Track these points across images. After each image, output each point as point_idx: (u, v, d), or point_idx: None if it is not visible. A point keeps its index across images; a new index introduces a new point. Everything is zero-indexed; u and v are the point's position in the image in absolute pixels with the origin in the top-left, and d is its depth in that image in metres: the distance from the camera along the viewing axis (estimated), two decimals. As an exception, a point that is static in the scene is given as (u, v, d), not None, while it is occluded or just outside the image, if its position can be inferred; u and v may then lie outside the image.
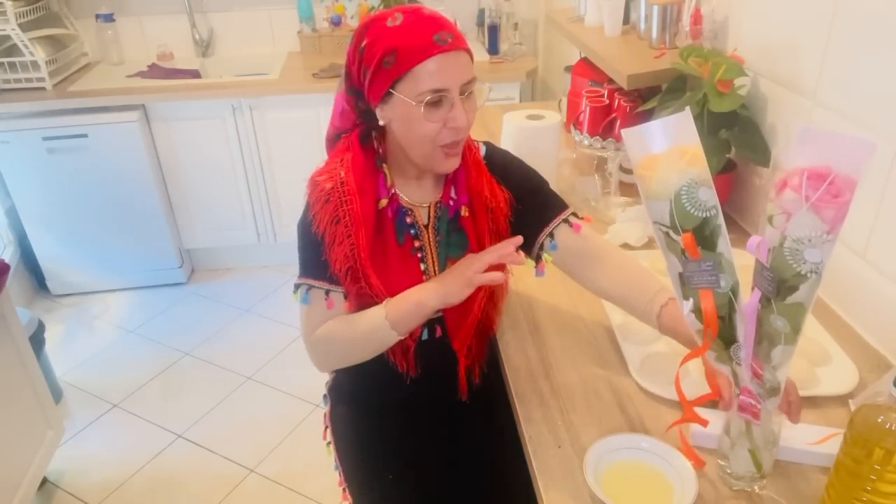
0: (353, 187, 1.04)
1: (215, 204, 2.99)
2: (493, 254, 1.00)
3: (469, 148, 1.11)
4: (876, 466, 0.73)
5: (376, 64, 0.96)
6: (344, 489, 1.23)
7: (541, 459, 0.95)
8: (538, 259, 1.14)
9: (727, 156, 1.47)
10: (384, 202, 1.07)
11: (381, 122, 1.03)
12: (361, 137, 1.08)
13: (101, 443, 2.24)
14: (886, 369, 1.08)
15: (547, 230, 1.11)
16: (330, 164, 1.09)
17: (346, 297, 1.10)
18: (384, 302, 1.06)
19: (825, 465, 0.87)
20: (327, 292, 1.07)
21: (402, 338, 1.06)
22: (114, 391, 2.45)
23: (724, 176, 1.51)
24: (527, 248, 1.14)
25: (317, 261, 1.07)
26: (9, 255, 2.86)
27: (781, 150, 1.39)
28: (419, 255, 1.10)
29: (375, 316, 1.05)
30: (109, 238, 2.92)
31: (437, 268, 1.11)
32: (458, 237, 1.11)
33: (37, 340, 2.24)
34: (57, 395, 2.37)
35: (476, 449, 1.23)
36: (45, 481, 2.04)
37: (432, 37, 0.93)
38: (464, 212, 1.10)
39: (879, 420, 0.73)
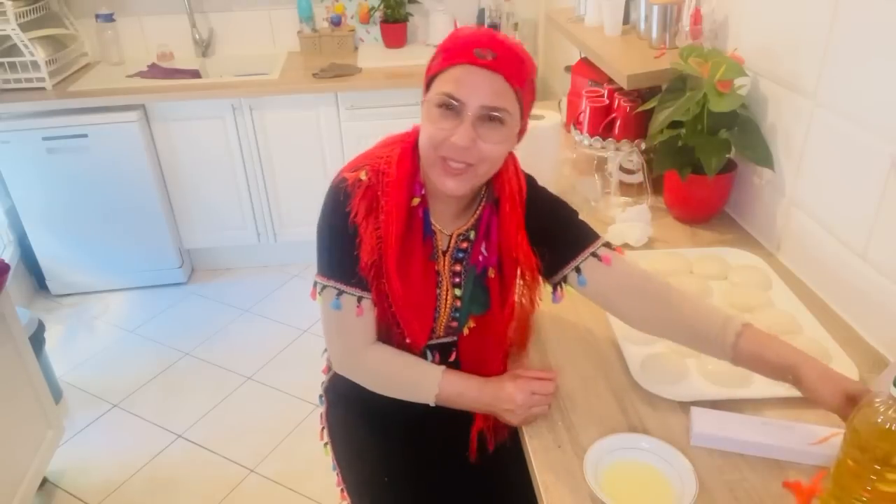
0: (392, 178, 1.01)
1: (215, 204, 2.99)
2: (546, 389, 1.03)
3: (513, 200, 1.04)
4: (876, 466, 0.73)
5: (430, 60, 0.99)
6: (342, 489, 1.24)
7: (541, 459, 0.95)
8: (556, 287, 1.09)
9: (727, 156, 1.47)
10: (416, 200, 1.03)
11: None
12: (412, 144, 1.05)
13: (101, 443, 2.24)
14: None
15: (573, 264, 1.05)
16: (360, 161, 1.05)
17: (374, 307, 1.06)
18: (443, 370, 1.07)
19: (825, 465, 0.87)
20: (360, 299, 1.03)
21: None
22: (114, 391, 2.45)
23: (724, 176, 1.51)
24: (549, 278, 1.09)
25: (347, 261, 1.02)
26: (9, 255, 2.85)
27: (781, 151, 1.39)
28: (437, 276, 1.08)
29: (428, 378, 1.06)
30: (109, 238, 2.92)
31: (446, 306, 1.09)
32: (482, 295, 1.08)
33: (37, 340, 2.24)
34: (57, 395, 2.37)
35: (473, 448, 1.23)
36: (45, 481, 2.04)
37: (473, 49, 0.93)
38: (491, 273, 1.06)
39: (879, 420, 0.73)
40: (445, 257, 1.08)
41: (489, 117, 0.94)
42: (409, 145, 1.04)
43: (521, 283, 1.13)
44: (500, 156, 0.99)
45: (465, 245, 1.08)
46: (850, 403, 0.83)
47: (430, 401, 1.06)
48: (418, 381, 1.06)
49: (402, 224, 1.01)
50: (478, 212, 1.07)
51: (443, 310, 1.10)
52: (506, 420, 1.04)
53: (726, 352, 0.96)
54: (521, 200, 1.06)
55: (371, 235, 1.01)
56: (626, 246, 1.45)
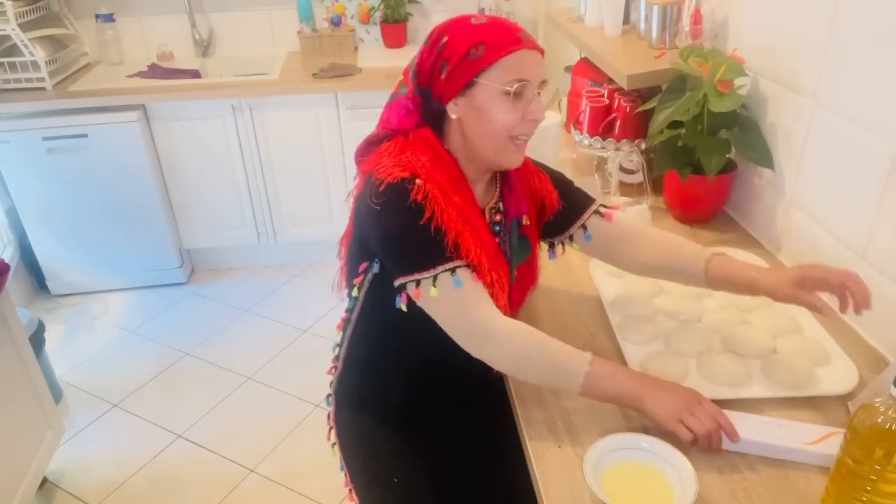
0: (447, 188, 1.02)
1: (215, 204, 2.99)
2: (715, 425, 0.92)
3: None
4: (876, 466, 0.73)
5: (461, 56, 0.98)
6: (350, 490, 1.24)
7: (541, 459, 0.95)
8: (554, 244, 1.23)
9: (727, 156, 1.47)
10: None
11: (452, 117, 1.03)
12: (440, 145, 1.06)
13: (101, 443, 2.24)
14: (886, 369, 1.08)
15: (579, 223, 1.18)
16: (396, 156, 1.03)
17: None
18: (591, 356, 0.98)
19: (825, 465, 0.87)
20: (468, 266, 0.99)
21: (579, 393, 0.98)
22: (114, 391, 2.45)
23: (724, 176, 1.51)
24: (553, 237, 1.22)
25: (438, 245, 0.98)
26: (9, 255, 2.85)
27: (781, 151, 1.39)
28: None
29: (578, 356, 0.98)
30: (110, 238, 2.92)
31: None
32: (523, 243, 1.15)
33: (37, 340, 2.24)
34: (57, 395, 2.37)
35: (479, 449, 1.23)
36: (45, 481, 2.04)
37: (518, 33, 1.00)
38: (525, 220, 1.15)
39: (879, 420, 0.73)
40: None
41: (540, 91, 1.04)
42: (438, 154, 1.04)
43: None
44: None
45: (498, 217, 1.14)
46: (797, 287, 1.02)
47: (578, 382, 0.96)
48: (570, 356, 0.97)
49: (467, 191, 1.06)
50: (499, 181, 1.15)
51: None
52: (655, 402, 0.94)
53: (700, 278, 1.12)
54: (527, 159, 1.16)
55: (450, 207, 0.99)
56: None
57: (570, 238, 1.21)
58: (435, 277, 0.97)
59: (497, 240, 1.11)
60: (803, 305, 1.03)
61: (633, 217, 1.50)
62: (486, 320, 0.99)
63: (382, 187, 0.98)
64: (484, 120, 1.01)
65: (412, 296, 0.99)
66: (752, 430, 0.94)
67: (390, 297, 1.04)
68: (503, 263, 1.09)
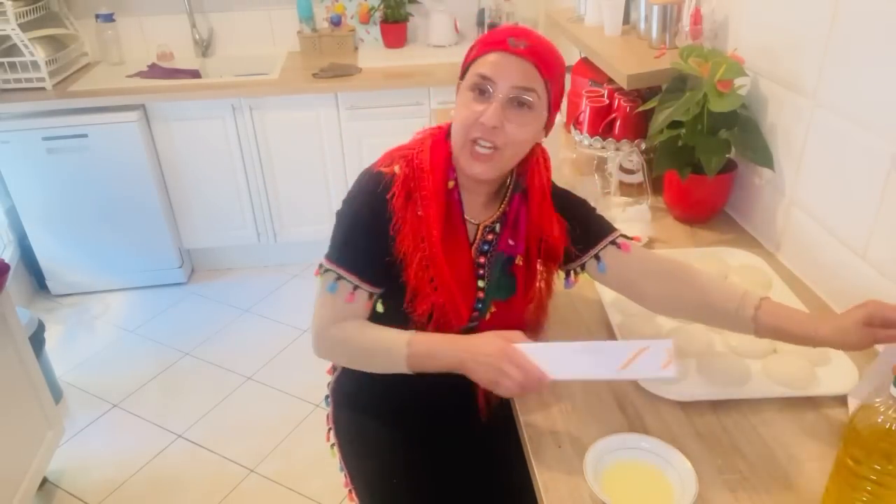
0: (426, 165, 1.04)
1: (215, 204, 2.99)
2: (525, 378, 0.93)
3: (542, 192, 1.10)
4: (876, 466, 0.73)
5: (466, 53, 1.05)
6: (350, 490, 1.24)
7: (541, 459, 0.95)
8: (570, 273, 1.15)
9: (727, 156, 1.47)
10: (452, 183, 1.06)
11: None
12: (444, 133, 1.09)
13: (101, 443, 2.24)
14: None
15: (592, 252, 1.11)
16: (392, 155, 1.08)
17: (371, 297, 1.07)
18: (412, 333, 1.02)
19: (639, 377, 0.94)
20: (355, 287, 1.04)
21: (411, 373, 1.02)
22: (114, 391, 2.45)
23: (724, 176, 1.51)
24: (567, 265, 1.15)
25: (356, 250, 1.05)
26: (9, 255, 2.85)
27: (781, 151, 1.39)
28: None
29: (395, 338, 1.02)
30: (110, 238, 2.92)
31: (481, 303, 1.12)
32: (508, 282, 1.11)
33: (37, 340, 2.24)
34: (57, 395, 2.37)
35: (478, 449, 1.23)
36: (45, 481, 2.04)
37: (507, 38, 0.99)
38: (518, 261, 1.11)
39: (879, 420, 0.73)
40: (472, 248, 1.11)
41: (518, 102, 0.99)
42: (441, 134, 1.08)
43: (542, 268, 1.17)
44: (525, 141, 1.02)
45: (490, 237, 1.11)
46: (868, 328, 0.91)
47: (404, 366, 1.01)
48: (389, 346, 1.02)
49: (441, 205, 1.04)
50: (504, 203, 1.11)
51: None
52: (471, 371, 0.97)
53: (748, 326, 1.00)
54: (549, 192, 1.12)
55: (412, 221, 1.03)
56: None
57: (583, 267, 1.13)
58: (326, 271, 1.05)
59: (482, 259, 1.10)
60: (884, 342, 0.93)
61: (629, 217, 1.49)
62: (323, 323, 1.07)
63: (365, 174, 1.06)
64: (456, 114, 1.03)
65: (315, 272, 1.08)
66: (564, 366, 0.94)
67: (391, 298, 1.07)
68: (467, 288, 1.08)
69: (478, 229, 1.11)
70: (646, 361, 0.91)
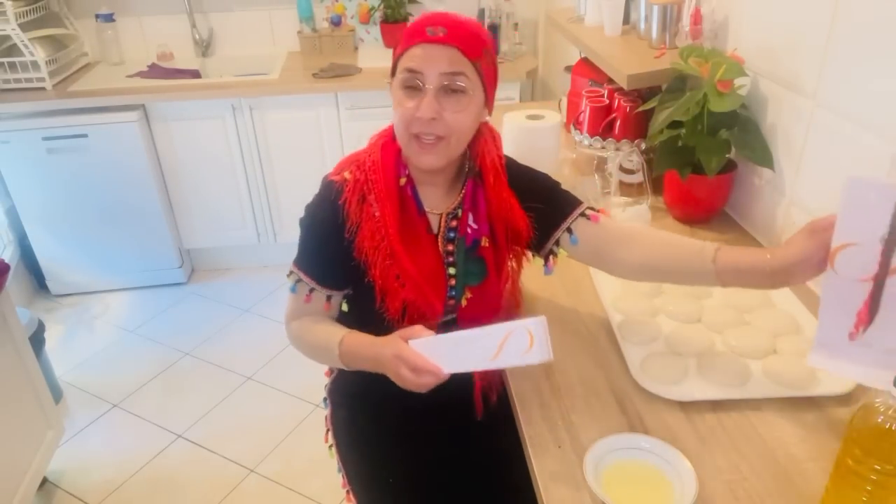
0: (378, 166, 1.06)
1: (215, 204, 2.99)
2: (418, 379, 0.96)
3: (497, 173, 1.11)
4: (876, 466, 0.73)
5: (392, 53, 1.05)
6: (348, 491, 1.24)
7: (541, 459, 0.95)
8: (548, 257, 1.15)
9: (727, 156, 1.47)
10: (403, 180, 1.07)
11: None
12: (390, 133, 1.10)
13: (101, 443, 2.24)
14: (886, 369, 1.08)
15: (564, 226, 1.11)
16: (343, 163, 1.11)
17: (329, 299, 1.11)
18: (345, 333, 1.07)
19: (514, 365, 0.94)
20: (311, 290, 1.10)
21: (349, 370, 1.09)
22: (114, 391, 2.45)
23: (724, 176, 1.51)
24: (540, 246, 1.15)
25: (313, 256, 1.10)
26: (9, 255, 2.86)
27: (781, 151, 1.39)
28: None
29: (332, 337, 1.07)
30: (109, 238, 2.92)
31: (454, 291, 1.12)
32: (477, 266, 1.11)
33: (37, 340, 2.24)
34: (57, 395, 2.37)
35: (477, 449, 1.23)
36: (45, 481, 2.04)
37: (425, 28, 0.99)
38: (484, 242, 1.10)
39: (879, 420, 0.73)
40: (438, 238, 1.11)
41: (451, 88, 0.99)
42: (389, 135, 1.09)
43: (513, 249, 1.17)
44: (467, 125, 1.03)
45: (454, 224, 1.11)
46: (813, 235, 0.88)
47: (339, 363, 1.08)
48: (327, 345, 1.08)
49: (395, 203, 1.05)
50: (463, 188, 1.11)
51: None
52: (385, 373, 1.01)
53: (710, 274, 0.99)
54: (502, 168, 1.12)
55: (368, 221, 1.05)
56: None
57: (557, 243, 1.13)
58: (290, 273, 1.12)
59: (451, 247, 1.11)
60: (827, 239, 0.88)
61: (629, 217, 1.50)
62: (286, 319, 1.15)
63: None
64: (394, 114, 1.04)
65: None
66: (452, 359, 0.95)
67: (363, 298, 1.10)
68: (436, 279, 1.09)
69: (441, 219, 1.11)
70: (511, 348, 0.91)
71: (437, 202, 1.12)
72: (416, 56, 0.99)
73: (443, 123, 1.00)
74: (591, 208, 1.14)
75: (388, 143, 1.09)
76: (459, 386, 1.16)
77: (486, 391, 1.19)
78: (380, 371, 1.01)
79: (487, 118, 1.09)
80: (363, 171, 1.07)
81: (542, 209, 1.12)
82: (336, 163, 1.13)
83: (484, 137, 1.10)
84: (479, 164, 1.10)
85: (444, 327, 1.13)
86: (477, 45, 1.00)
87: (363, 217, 1.05)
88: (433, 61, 0.98)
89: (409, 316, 1.08)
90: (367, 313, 1.10)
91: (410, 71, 0.99)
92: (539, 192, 1.14)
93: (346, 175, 1.07)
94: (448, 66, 0.98)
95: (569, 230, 1.11)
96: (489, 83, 1.04)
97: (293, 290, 1.12)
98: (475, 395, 1.17)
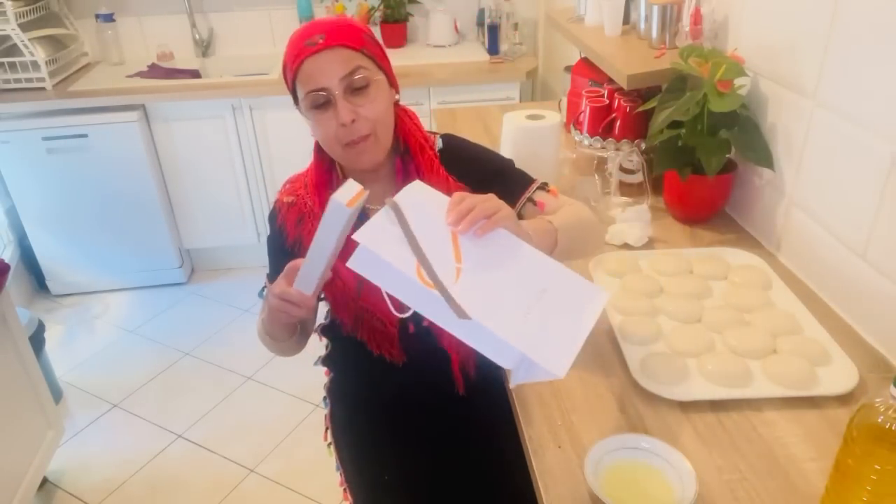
0: (312, 188, 1.11)
1: (215, 204, 2.99)
2: (282, 291, 0.96)
3: (422, 147, 1.11)
4: (876, 466, 0.73)
5: (285, 75, 1.06)
6: (345, 489, 1.24)
7: (541, 459, 0.95)
8: None
9: (727, 156, 1.47)
10: None
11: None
12: (317, 147, 1.12)
13: (101, 443, 2.24)
14: (886, 369, 1.08)
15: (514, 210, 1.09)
16: (288, 180, 1.18)
17: None
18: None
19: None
20: None
21: (280, 341, 1.16)
22: (114, 391, 2.45)
23: (724, 176, 1.51)
24: None
25: (272, 266, 1.17)
26: (9, 255, 2.86)
27: (781, 151, 1.39)
28: None
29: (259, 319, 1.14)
30: (110, 238, 2.92)
31: None
32: None
33: (37, 340, 2.24)
34: (57, 395, 2.37)
35: (476, 448, 1.23)
36: (45, 481, 2.04)
37: (304, 43, 0.99)
38: None
39: (879, 420, 0.73)
40: None
41: (354, 87, 1.00)
42: (315, 154, 1.12)
43: None
44: (384, 111, 1.04)
45: None
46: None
47: (277, 338, 1.15)
48: (262, 327, 1.15)
49: None
50: (394, 168, 1.12)
51: None
52: (273, 312, 1.03)
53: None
54: (430, 147, 1.12)
55: (308, 237, 1.05)
56: (626, 246, 1.45)
57: None
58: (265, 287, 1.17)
59: None
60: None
61: (629, 217, 1.49)
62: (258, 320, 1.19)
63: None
64: (316, 136, 1.06)
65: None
66: (403, 287, 0.86)
67: (333, 324, 1.16)
68: None
69: None
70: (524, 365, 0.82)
71: (380, 198, 1.07)
72: (310, 72, 0.99)
73: (363, 120, 1.00)
74: (544, 186, 1.12)
75: (318, 159, 1.12)
76: (442, 360, 1.15)
77: (464, 365, 1.17)
78: (274, 319, 1.05)
79: (397, 97, 1.10)
80: (296, 191, 1.13)
81: (490, 192, 1.05)
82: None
83: (401, 119, 1.11)
84: (403, 144, 1.11)
85: (415, 317, 1.11)
86: (356, 33, 1.01)
87: (303, 234, 1.09)
88: (327, 70, 0.98)
89: (367, 324, 1.12)
90: (341, 342, 1.18)
91: (313, 91, 0.99)
92: (483, 173, 1.12)
93: (287, 199, 1.13)
94: (343, 68, 0.98)
95: (518, 215, 1.07)
96: (383, 62, 1.06)
97: (261, 295, 1.17)
98: (453, 370, 1.16)
